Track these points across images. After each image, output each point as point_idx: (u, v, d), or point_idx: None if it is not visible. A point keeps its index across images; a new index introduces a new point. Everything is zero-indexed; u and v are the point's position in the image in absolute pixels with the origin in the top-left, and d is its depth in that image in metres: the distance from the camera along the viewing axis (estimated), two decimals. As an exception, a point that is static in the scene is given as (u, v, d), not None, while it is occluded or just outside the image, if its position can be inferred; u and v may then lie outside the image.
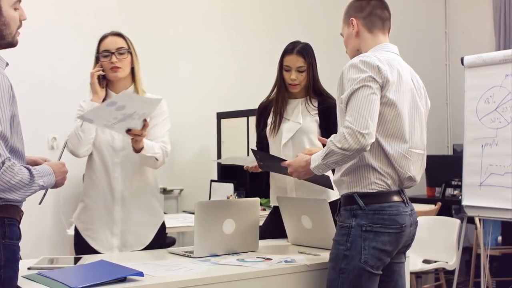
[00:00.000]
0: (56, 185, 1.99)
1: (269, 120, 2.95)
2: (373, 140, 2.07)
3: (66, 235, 4.37)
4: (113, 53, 2.70)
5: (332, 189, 2.46)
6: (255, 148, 2.94)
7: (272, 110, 2.95)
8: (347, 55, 2.38)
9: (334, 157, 2.08)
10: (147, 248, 2.70)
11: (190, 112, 5.43)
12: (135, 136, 2.48)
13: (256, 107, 4.56)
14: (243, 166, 2.90)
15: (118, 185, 2.67)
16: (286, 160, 2.39)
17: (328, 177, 2.38)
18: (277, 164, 2.42)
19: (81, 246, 2.68)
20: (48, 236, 4.69)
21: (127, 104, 2.28)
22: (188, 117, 5.41)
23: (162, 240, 2.81)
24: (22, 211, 2.01)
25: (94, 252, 2.62)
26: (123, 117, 2.33)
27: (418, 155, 2.25)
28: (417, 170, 2.26)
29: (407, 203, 2.24)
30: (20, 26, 2.02)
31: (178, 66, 5.47)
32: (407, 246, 2.30)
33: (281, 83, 2.91)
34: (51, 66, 4.76)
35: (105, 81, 2.73)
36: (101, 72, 2.70)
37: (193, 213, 4.53)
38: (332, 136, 2.12)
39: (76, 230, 2.74)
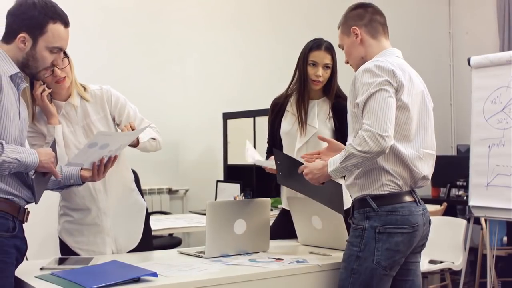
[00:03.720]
0: (42, 165, 2.02)
1: (283, 121, 2.93)
2: (392, 142, 2.09)
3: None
4: (54, 64, 2.34)
5: (342, 213, 2.41)
6: (277, 149, 2.84)
7: (286, 109, 2.92)
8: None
9: (353, 160, 2.09)
10: (140, 243, 2.65)
11: (196, 112, 5.43)
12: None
13: (263, 107, 4.54)
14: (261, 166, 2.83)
15: (102, 195, 2.55)
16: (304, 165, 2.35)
17: (341, 187, 2.33)
18: (295, 171, 2.34)
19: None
20: (54, 236, 4.67)
21: (110, 142, 2.25)
22: (193, 117, 5.41)
23: (149, 230, 2.75)
24: (23, 208, 2.05)
25: None
26: (112, 152, 2.30)
27: (429, 155, 2.29)
28: (429, 169, 2.30)
29: (419, 202, 2.27)
30: (49, 67, 2.13)
31: (183, 66, 5.47)
32: (422, 245, 2.33)
33: (306, 79, 2.83)
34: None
35: (50, 96, 2.49)
36: (48, 91, 2.45)
37: (200, 214, 4.58)
38: (351, 139, 2.14)
39: (63, 243, 2.59)
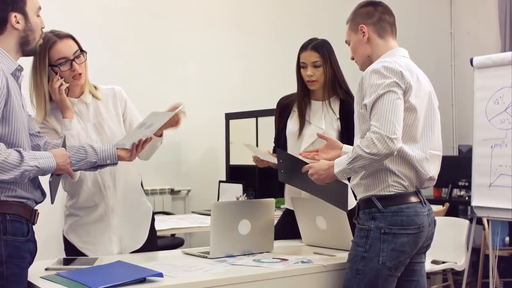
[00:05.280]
0: (59, 167, 2.02)
1: (289, 121, 2.92)
2: (400, 144, 2.09)
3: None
4: (72, 60, 2.44)
5: (346, 210, 2.42)
6: (280, 148, 2.82)
7: (293, 110, 2.92)
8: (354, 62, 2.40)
9: (361, 161, 2.08)
10: (144, 244, 2.66)
11: (198, 112, 5.41)
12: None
13: (265, 107, 4.53)
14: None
15: (111, 192, 2.55)
16: (308, 164, 2.35)
17: (346, 187, 2.34)
18: (299, 170, 2.35)
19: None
20: (56, 236, 4.65)
21: (154, 121, 2.33)
22: (196, 118, 5.38)
23: (154, 232, 2.75)
24: (35, 210, 2.05)
25: None
26: (150, 131, 2.36)
27: (436, 156, 2.29)
28: (436, 170, 2.30)
29: (425, 203, 2.26)
30: (41, 34, 2.09)
31: (185, 66, 5.47)
32: (427, 246, 2.33)
33: (301, 81, 2.86)
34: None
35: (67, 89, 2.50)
36: (66, 85, 2.44)
37: (202, 214, 4.58)
38: (359, 141, 2.13)
39: (68, 243, 2.57)
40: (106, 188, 2.55)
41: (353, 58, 2.39)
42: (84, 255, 2.53)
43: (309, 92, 2.89)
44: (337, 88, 2.85)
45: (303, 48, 2.84)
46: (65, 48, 2.43)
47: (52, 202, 2.12)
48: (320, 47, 2.82)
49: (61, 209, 4.09)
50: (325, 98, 2.88)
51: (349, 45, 2.39)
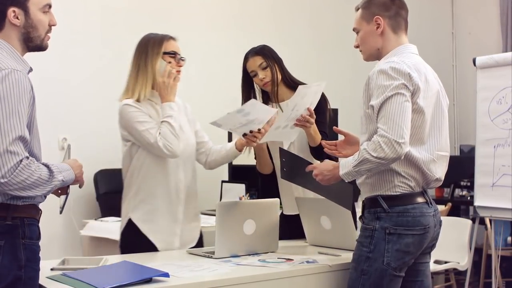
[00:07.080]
0: (76, 179, 2.02)
1: None
2: (408, 149, 2.06)
3: (77, 236, 4.36)
4: (180, 57, 2.67)
5: (350, 209, 2.41)
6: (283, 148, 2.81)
7: None
8: (358, 51, 2.33)
9: (367, 165, 2.07)
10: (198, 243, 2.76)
11: (199, 112, 5.41)
12: (251, 142, 2.62)
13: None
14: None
15: (182, 186, 2.68)
16: (312, 164, 2.34)
17: (350, 186, 2.32)
18: (302, 169, 2.34)
19: (141, 245, 2.59)
20: (59, 237, 4.67)
21: (251, 111, 2.42)
22: (197, 117, 5.37)
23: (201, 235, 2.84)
24: (41, 210, 2.04)
25: (152, 250, 2.59)
26: (246, 123, 2.47)
27: (443, 157, 2.27)
28: (443, 171, 2.28)
29: (431, 203, 2.25)
30: (49, 30, 2.03)
31: (186, 66, 5.41)
32: (432, 246, 2.31)
33: (248, 94, 2.89)
34: (59, 65, 4.74)
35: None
36: (174, 72, 2.66)
37: (205, 214, 4.57)
38: (365, 144, 2.11)
39: (135, 228, 2.61)
40: (179, 181, 2.66)
41: (357, 46, 2.32)
42: (151, 243, 2.58)
43: (271, 98, 2.89)
44: (293, 83, 2.85)
45: (245, 59, 2.87)
46: (175, 46, 2.67)
47: (60, 213, 2.15)
48: (260, 50, 2.87)
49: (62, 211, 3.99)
50: (289, 96, 2.85)
51: (357, 33, 2.31)
